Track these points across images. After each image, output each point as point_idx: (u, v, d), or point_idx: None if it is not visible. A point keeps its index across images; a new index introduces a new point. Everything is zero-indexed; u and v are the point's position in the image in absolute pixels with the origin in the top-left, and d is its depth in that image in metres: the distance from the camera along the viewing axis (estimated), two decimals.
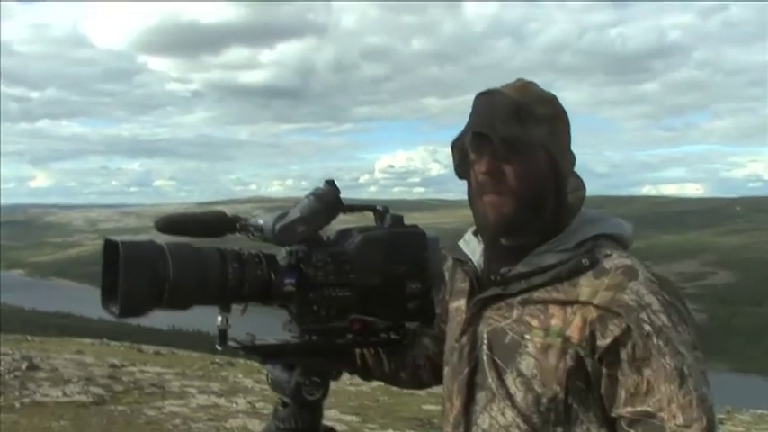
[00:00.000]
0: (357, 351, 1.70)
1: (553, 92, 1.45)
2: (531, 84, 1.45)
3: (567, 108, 1.46)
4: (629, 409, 1.28)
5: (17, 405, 7.15)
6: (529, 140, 1.36)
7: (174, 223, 1.56)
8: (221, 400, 8.41)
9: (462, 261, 1.53)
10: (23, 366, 8.84)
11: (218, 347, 1.51)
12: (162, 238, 1.49)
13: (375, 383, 10.24)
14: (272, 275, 1.50)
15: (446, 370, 1.52)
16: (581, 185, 1.44)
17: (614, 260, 1.34)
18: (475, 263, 1.50)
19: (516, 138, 1.36)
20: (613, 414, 1.30)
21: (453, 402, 1.46)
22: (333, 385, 1.59)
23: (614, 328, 1.28)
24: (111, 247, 1.42)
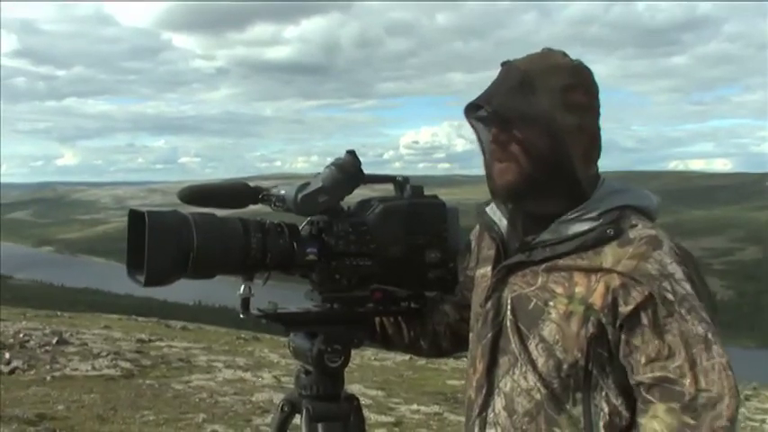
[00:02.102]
0: (377, 320, 1.72)
1: None
2: (552, 53, 1.43)
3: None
4: (649, 374, 1.28)
5: (48, 378, 7.30)
6: (526, 111, 1.36)
7: (197, 194, 1.58)
8: (247, 375, 8.51)
9: (489, 227, 1.53)
10: (54, 341, 9.00)
11: (242, 316, 1.54)
12: (186, 210, 1.51)
13: (399, 358, 10.29)
14: (295, 245, 1.52)
15: (471, 335, 1.53)
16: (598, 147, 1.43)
17: (639, 230, 1.34)
18: (502, 229, 1.51)
19: (510, 109, 1.37)
20: (633, 381, 1.31)
21: (477, 366, 1.48)
22: (357, 360, 1.61)
23: (637, 295, 1.29)
24: (136, 218, 1.44)
